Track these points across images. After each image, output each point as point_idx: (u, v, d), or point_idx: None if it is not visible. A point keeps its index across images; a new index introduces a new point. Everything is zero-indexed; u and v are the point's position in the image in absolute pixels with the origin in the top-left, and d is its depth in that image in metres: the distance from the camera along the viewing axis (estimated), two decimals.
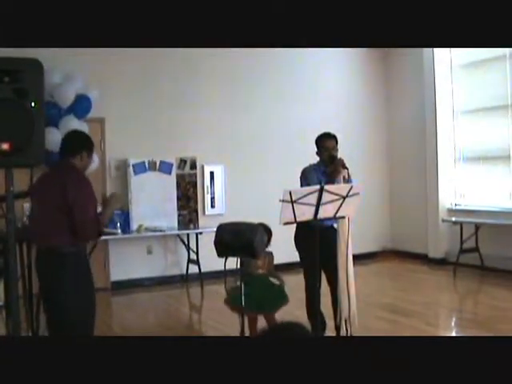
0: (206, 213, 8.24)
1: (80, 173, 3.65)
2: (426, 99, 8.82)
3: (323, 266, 4.36)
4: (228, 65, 8.36)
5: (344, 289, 4.32)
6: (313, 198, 3.77)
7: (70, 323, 3.49)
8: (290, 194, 3.66)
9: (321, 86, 9.09)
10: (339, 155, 4.57)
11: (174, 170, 7.93)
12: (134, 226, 7.58)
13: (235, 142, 8.40)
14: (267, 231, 4.48)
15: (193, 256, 7.94)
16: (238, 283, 4.24)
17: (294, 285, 5.06)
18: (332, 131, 4.71)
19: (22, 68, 2.89)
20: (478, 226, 7.98)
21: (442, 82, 8.70)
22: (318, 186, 3.81)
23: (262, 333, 1.74)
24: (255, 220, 4.34)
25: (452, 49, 8.61)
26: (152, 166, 7.81)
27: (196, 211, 8.11)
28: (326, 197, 3.80)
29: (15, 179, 3.08)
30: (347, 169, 4.42)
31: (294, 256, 4.94)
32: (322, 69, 9.13)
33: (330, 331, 4.61)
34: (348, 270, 4.32)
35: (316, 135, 4.70)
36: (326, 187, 3.82)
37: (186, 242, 8.02)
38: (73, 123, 6.67)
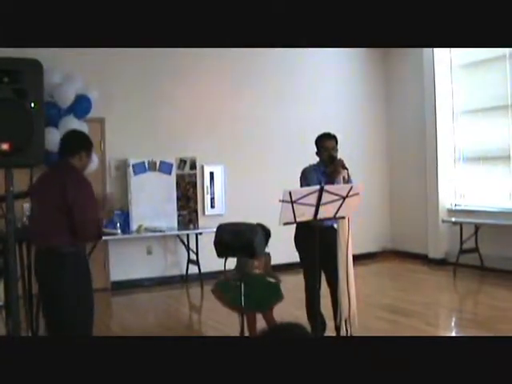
0: (206, 213, 8.24)
1: (79, 173, 3.65)
2: (426, 99, 8.81)
3: (323, 267, 4.36)
4: (228, 65, 8.35)
5: (344, 289, 4.32)
6: (313, 199, 3.77)
7: (68, 323, 3.48)
8: (290, 194, 3.66)
9: (321, 86, 9.09)
10: (339, 155, 4.57)
11: (174, 170, 7.93)
12: (134, 226, 7.58)
13: (235, 142, 8.39)
14: (265, 231, 4.49)
15: (193, 256, 7.94)
16: (230, 278, 4.29)
17: (294, 285, 5.06)
18: (332, 131, 4.71)
19: (21, 68, 2.89)
20: (477, 227, 7.97)
21: (442, 82, 8.70)
22: (317, 187, 3.81)
23: (262, 333, 1.74)
24: (255, 220, 4.34)
25: (452, 49, 8.60)
26: (152, 166, 7.81)
27: (196, 211, 8.11)
28: (325, 197, 3.80)
29: (15, 179, 3.08)
30: (347, 169, 4.42)
31: (292, 256, 4.94)
32: (322, 69, 9.13)
33: (330, 331, 4.61)
34: (348, 271, 4.32)
35: (316, 135, 4.70)
36: (326, 187, 3.82)
37: (186, 243, 8.02)
38: (73, 123, 6.66)
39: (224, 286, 4.71)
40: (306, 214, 3.80)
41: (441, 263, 8.61)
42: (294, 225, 4.33)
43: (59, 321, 3.54)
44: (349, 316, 4.35)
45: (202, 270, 7.68)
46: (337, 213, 3.96)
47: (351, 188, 3.92)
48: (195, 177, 8.14)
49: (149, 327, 5.92)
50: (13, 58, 2.92)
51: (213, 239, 4.04)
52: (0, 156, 2.85)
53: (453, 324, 5.98)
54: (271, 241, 4.67)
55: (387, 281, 8.14)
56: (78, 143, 3.70)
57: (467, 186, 8.63)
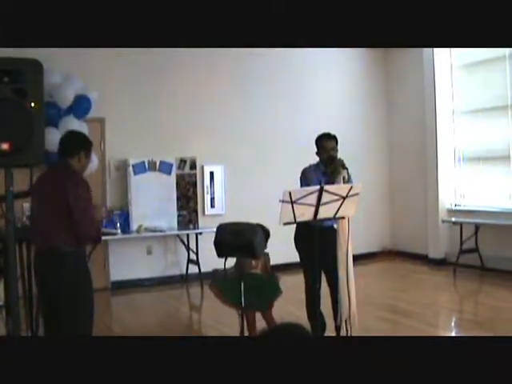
0: (206, 213, 8.24)
1: (77, 175, 3.64)
2: (426, 99, 8.81)
3: (323, 267, 4.35)
4: (228, 65, 8.36)
5: (344, 289, 4.31)
6: (312, 199, 3.77)
7: (68, 323, 3.48)
8: (290, 194, 3.66)
9: (321, 86, 9.09)
10: (339, 155, 4.57)
11: (174, 170, 7.93)
12: (134, 226, 7.58)
13: (235, 142, 8.39)
14: (265, 232, 4.49)
15: (192, 256, 7.94)
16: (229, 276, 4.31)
17: (294, 285, 5.06)
18: (332, 131, 4.70)
19: (21, 68, 2.89)
20: (477, 227, 7.97)
21: (442, 82, 8.70)
22: (317, 187, 3.81)
23: (262, 334, 1.74)
24: (255, 220, 4.34)
25: (452, 49, 8.60)
26: (152, 166, 7.81)
27: (196, 211, 8.11)
28: (325, 197, 3.80)
29: (15, 179, 3.08)
30: (347, 169, 4.42)
31: (292, 256, 4.94)
32: (322, 69, 9.13)
33: (330, 331, 4.61)
34: (348, 271, 4.32)
35: (316, 135, 4.70)
36: (326, 187, 3.82)
37: (186, 242, 8.02)
38: (72, 123, 6.66)
39: (223, 284, 4.70)
40: (305, 214, 3.80)
41: (441, 263, 8.61)
42: (294, 225, 4.33)
43: (59, 321, 3.54)
44: (349, 316, 4.35)
45: (202, 270, 7.67)
46: (337, 213, 3.96)
47: (351, 188, 3.92)
48: (195, 177, 8.14)
49: (149, 327, 5.92)
50: (13, 58, 2.92)
51: (213, 239, 4.04)
52: (0, 156, 2.85)
53: (453, 324, 5.98)
54: (271, 241, 4.67)
55: (387, 281, 8.14)
56: (77, 144, 3.70)
57: (467, 186, 8.63)
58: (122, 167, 7.75)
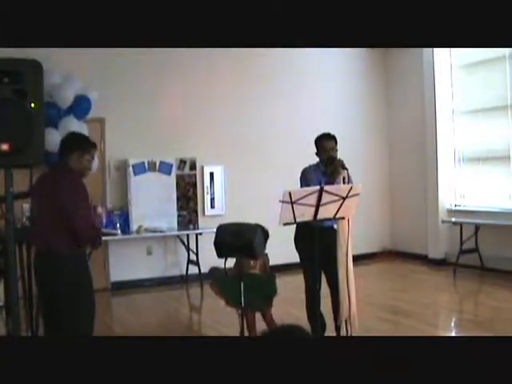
0: (206, 213, 8.24)
1: (75, 176, 3.62)
2: (426, 99, 8.81)
3: (323, 267, 4.35)
4: (228, 65, 8.36)
5: (344, 289, 4.31)
6: (312, 199, 3.77)
7: (68, 324, 3.48)
8: (290, 194, 3.66)
9: (321, 86, 9.08)
10: (339, 156, 4.56)
11: (174, 171, 7.93)
12: (134, 226, 7.58)
13: (235, 142, 8.39)
14: (264, 232, 4.48)
15: (192, 257, 7.94)
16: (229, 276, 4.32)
17: (294, 286, 5.06)
18: (332, 131, 4.70)
19: (21, 69, 2.89)
20: (477, 227, 7.97)
21: (442, 83, 8.70)
22: (317, 187, 3.81)
23: (262, 336, 1.74)
24: (255, 220, 4.34)
25: (452, 49, 8.60)
26: (152, 167, 7.81)
27: (196, 212, 8.11)
28: (325, 197, 3.80)
29: (15, 179, 3.07)
30: (347, 169, 4.41)
31: (292, 257, 4.94)
32: (322, 69, 9.13)
33: (330, 332, 4.60)
34: (348, 271, 4.32)
35: (316, 135, 4.70)
36: (326, 188, 3.81)
37: (186, 243, 8.02)
38: (72, 124, 6.66)
39: (223, 283, 4.70)
40: (305, 214, 3.80)
41: (441, 263, 8.61)
42: (294, 225, 4.33)
43: (59, 321, 3.54)
44: (349, 316, 4.35)
45: (202, 271, 7.67)
46: (337, 213, 3.95)
47: (351, 188, 3.91)
48: (195, 177, 8.14)
49: (149, 327, 5.92)
50: (13, 59, 2.92)
51: (213, 239, 4.04)
52: (0, 156, 2.84)
53: (453, 324, 5.98)
54: (270, 241, 4.67)
55: (387, 281, 8.14)
56: (70, 145, 3.70)
57: (467, 187, 8.62)
58: (122, 167, 7.75)
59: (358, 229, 5.03)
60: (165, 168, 7.86)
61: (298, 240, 4.69)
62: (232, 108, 8.41)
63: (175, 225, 7.91)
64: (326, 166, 4.54)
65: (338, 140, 4.63)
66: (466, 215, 8.31)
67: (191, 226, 8.01)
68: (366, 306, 5.82)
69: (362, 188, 4.01)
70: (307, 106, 8.87)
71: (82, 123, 6.86)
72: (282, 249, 5.76)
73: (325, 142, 4.60)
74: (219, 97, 8.31)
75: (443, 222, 8.55)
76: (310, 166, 4.66)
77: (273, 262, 4.91)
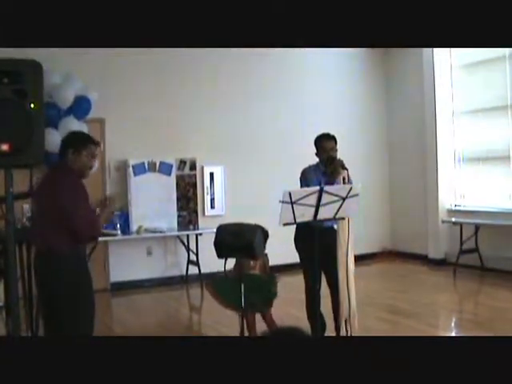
0: (206, 214, 8.24)
1: (73, 174, 3.62)
2: (426, 99, 8.81)
3: (323, 267, 4.35)
4: (228, 65, 8.36)
5: (344, 289, 4.31)
6: (312, 199, 3.77)
7: (68, 324, 3.48)
8: (290, 194, 3.66)
9: (321, 87, 9.08)
10: (339, 156, 4.56)
11: (174, 171, 7.93)
12: (134, 227, 7.58)
13: (235, 143, 8.39)
14: (264, 232, 4.48)
15: (192, 257, 7.94)
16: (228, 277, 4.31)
17: (294, 286, 5.05)
18: (331, 132, 4.70)
19: (21, 69, 2.89)
20: (477, 227, 7.97)
21: (442, 83, 8.70)
22: (317, 187, 3.81)
23: (262, 336, 1.74)
24: (255, 221, 4.34)
25: (452, 49, 8.60)
26: (152, 167, 7.81)
27: (196, 212, 8.11)
28: (325, 198, 3.80)
29: (15, 179, 3.08)
30: (347, 170, 4.41)
31: (291, 257, 4.94)
32: (322, 69, 9.13)
33: (330, 332, 4.60)
34: (348, 271, 4.32)
35: (315, 136, 4.70)
36: (326, 188, 3.81)
37: (186, 243, 8.02)
38: (72, 124, 6.65)
39: (220, 285, 4.69)
40: (305, 214, 3.80)
41: (441, 263, 8.61)
42: (294, 225, 4.33)
43: (59, 321, 3.54)
44: (349, 316, 4.35)
45: (202, 271, 7.68)
46: (336, 213, 3.95)
47: (351, 189, 3.91)
48: (195, 177, 8.14)
49: (149, 328, 5.92)
50: (13, 59, 2.92)
51: (213, 240, 4.04)
52: (0, 156, 2.85)
53: (453, 324, 5.98)
54: (270, 241, 4.66)
55: (387, 281, 8.14)
56: (69, 142, 3.69)
57: (467, 187, 8.62)
58: (122, 168, 7.75)
59: (358, 229, 5.02)
60: (165, 168, 7.86)
61: (298, 240, 4.69)
62: (232, 108, 8.41)
63: (175, 225, 7.90)
64: (326, 166, 4.53)
65: (337, 140, 4.63)
66: (466, 215, 8.31)
67: (191, 227, 8.01)
68: (365, 306, 5.83)
69: (362, 188, 4.01)
70: (307, 106, 8.87)
71: (82, 123, 6.85)
72: (282, 249, 5.76)
73: (324, 142, 4.60)
74: (219, 97, 8.31)
75: (443, 222, 8.55)
76: (310, 167, 4.66)
77: (273, 262, 4.91)
